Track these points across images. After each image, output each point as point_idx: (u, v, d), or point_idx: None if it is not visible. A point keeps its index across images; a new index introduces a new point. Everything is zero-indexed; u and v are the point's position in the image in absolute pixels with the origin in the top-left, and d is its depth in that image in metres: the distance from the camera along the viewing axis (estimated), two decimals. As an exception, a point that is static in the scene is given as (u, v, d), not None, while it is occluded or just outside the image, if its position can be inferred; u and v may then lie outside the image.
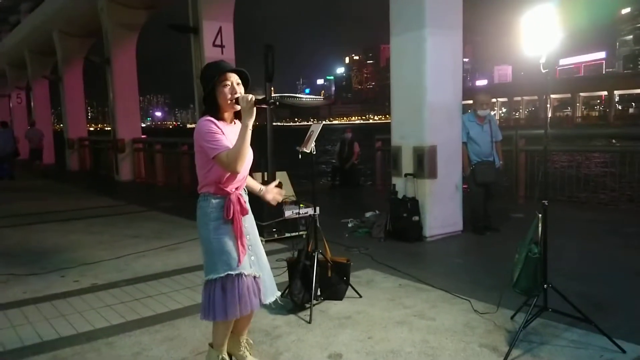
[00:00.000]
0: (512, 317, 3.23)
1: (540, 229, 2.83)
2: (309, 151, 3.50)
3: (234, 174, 2.41)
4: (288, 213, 5.49)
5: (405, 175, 5.67)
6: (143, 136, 14.21)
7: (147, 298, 3.88)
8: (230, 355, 2.70)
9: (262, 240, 5.17)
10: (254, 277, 2.51)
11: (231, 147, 2.34)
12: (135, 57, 13.47)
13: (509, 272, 3.13)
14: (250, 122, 2.33)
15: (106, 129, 15.64)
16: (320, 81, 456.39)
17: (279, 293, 2.76)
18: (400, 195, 5.71)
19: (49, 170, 16.41)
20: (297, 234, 5.57)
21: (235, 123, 2.52)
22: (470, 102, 5.95)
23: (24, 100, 23.11)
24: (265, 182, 5.53)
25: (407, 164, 5.68)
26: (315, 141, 3.50)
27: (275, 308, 3.50)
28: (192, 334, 3.16)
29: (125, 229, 6.58)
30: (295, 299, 3.46)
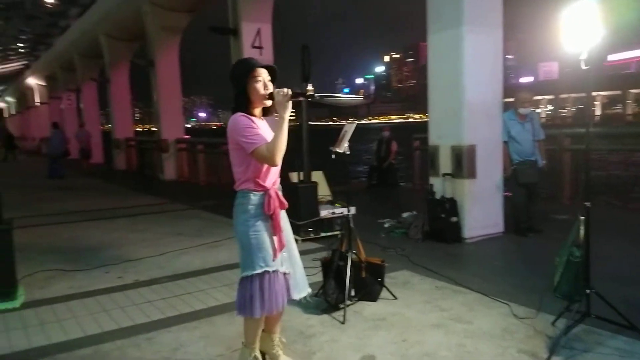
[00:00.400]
0: (553, 323, 3.12)
1: (582, 231, 2.73)
2: (342, 151, 3.50)
3: (273, 166, 2.45)
4: (324, 213, 5.50)
5: (443, 175, 5.58)
6: (186, 136, 14.56)
7: (186, 295, 3.98)
8: (263, 354, 2.74)
9: (297, 240, 5.24)
10: (284, 274, 2.55)
11: (266, 142, 2.38)
12: (177, 59, 13.81)
13: (551, 276, 3.03)
14: (287, 115, 2.38)
15: (153, 129, 16.20)
16: (359, 80, 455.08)
17: (310, 290, 2.77)
18: (438, 196, 5.62)
19: (97, 170, 17.06)
20: (332, 233, 5.58)
21: (263, 119, 2.57)
22: (513, 100, 5.79)
23: (74, 102, 24.08)
24: (301, 182, 5.59)
25: (444, 163, 5.59)
26: (349, 141, 3.49)
27: (309, 307, 3.55)
28: (228, 330, 3.22)
29: (167, 227, 6.76)
30: (329, 299, 3.47)
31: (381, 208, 7.69)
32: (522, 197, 5.55)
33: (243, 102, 2.49)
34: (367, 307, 3.58)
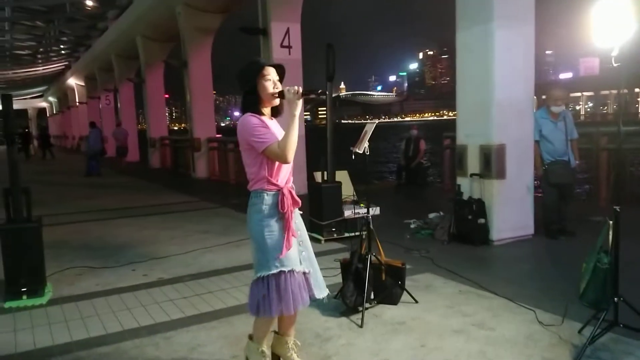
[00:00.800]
0: (579, 331, 2.99)
1: (611, 236, 2.59)
2: (361, 151, 3.44)
3: (285, 163, 2.46)
4: (347, 213, 5.46)
5: (471, 175, 5.45)
6: (217, 135, 14.76)
7: (207, 294, 4.01)
8: (277, 357, 2.73)
9: (320, 240, 5.22)
10: (304, 273, 2.54)
11: (276, 140, 2.40)
12: (210, 59, 14.00)
13: (578, 282, 2.90)
14: (298, 112, 2.40)
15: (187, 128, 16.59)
16: (392, 78, 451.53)
17: (328, 291, 2.73)
18: (465, 197, 5.49)
19: (133, 168, 17.49)
20: (356, 234, 5.52)
21: (272, 119, 2.58)
22: (546, 97, 5.59)
23: (112, 101, 24.79)
24: (324, 181, 5.55)
25: (473, 163, 5.45)
26: (368, 141, 3.43)
27: (328, 309, 3.52)
28: (246, 331, 3.18)
29: (196, 225, 6.85)
30: (348, 301, 3.42)
31: (408, 208, 7.57)
32: (553, 198, 5.35)
33: (253, 102, 2.49)
34: (386, 311, 3.52)
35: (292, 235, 2.50)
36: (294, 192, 2.56)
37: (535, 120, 5.38)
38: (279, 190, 2.49)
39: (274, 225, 2.48)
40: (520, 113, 5.31)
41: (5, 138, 4.09)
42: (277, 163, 2.46)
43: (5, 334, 3.33)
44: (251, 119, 2.44)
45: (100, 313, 3.65)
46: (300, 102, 2.42)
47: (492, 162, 5.22)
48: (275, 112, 2.58)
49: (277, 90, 2.48)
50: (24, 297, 3.92)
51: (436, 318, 3.37)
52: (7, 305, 3.84)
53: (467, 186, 5.52)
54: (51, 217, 6.92)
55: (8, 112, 4.03)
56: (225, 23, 14.06)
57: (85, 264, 4.95)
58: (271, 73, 2.50)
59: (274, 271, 2.44)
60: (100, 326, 3.40)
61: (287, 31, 9.10)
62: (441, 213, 6.06)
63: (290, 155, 2.39)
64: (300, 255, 2.56)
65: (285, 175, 2.54)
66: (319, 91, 2.64)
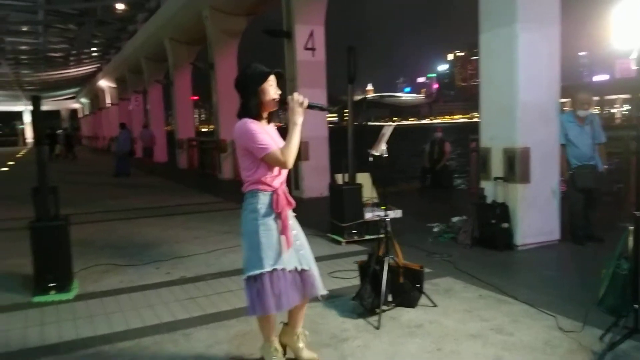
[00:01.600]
0: (600, 338, 2.92)
1: (631, 242, 2.54)
2: (379, 154, 3.44)
3: (285, 169, 2.56)
4: (368, 215, 5.45)
5: (495, 178, 5.37)
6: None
7: (228, 292, 4.07)
8: (284, 346, 2.81)
9: (341, 242, 5.24)
10: (303, 271, 2.61)
11: (275, 146, 2.50)
12: (236, 62, 14.17)
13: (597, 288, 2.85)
14: (300, 121, 2.52)
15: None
16: (421, 79, 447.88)
17: (326, 291, 2.76)
18: (488, 200, 5.42)
19: (160, 168, 17.83)
20: (377, 236, 5.50)
21: (269, 124, 2.68)
22: (571, 101, 5.48)
23: (141, 103, 25.33)
24: (345, 183, 5.56)
25: (496, 166, 5.37)
26: (386, 143, 3.43)
27: (345, 311, 3.53)
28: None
29: (219, 225, 6.94)
30: (365, 303, 3.43)
31: (432, 211, 7.52)
32: (579, 203, 5.24)
33: (253, 107, 2.57)
34: (404, 314, 3.51)
35: (288, 235, 2.57)
36: (287, 194, 2.64)
37: (560, 123, 5.28)
38: (274, 191, 2.57)
39: (269, 224, 2.56)
40: (545, 116, 5.22)
41: (34, 138, 4.24)
42: (274, 167, 2.55)
43: (33, 327, 3.46)
44: (250, 125, 2.52)
45: (123, 309, 3.75)
46: (301, 112, 2.51)
47: (516, 166, 5.14)
48: (271, 118, 2.68)
49: (277, 97, 2.57)
50: (52, 292, 4.05)
51: (454, 322, 3.34)
52: (36, 300, 3.98)
53: (490, 190, 5.45)
54: (79, 216, 7.10)
55: (37, 113, 4.17)
56: (250, 25, 14.21)
57: (111, 262, 5.09)
58: (273, 79, 2.59)
59: (268, 269, 2.51)
60: (123, 322, 3.50)
61: (311, 33, 9.15)
62: (464, 217, 6.00)
63: (291, 161, 2.49)
64: (298, 254, 2.62)
65: (281, 178, 2.63)
66: (326, 105, 2.73)
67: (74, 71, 32.95)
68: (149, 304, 3.85)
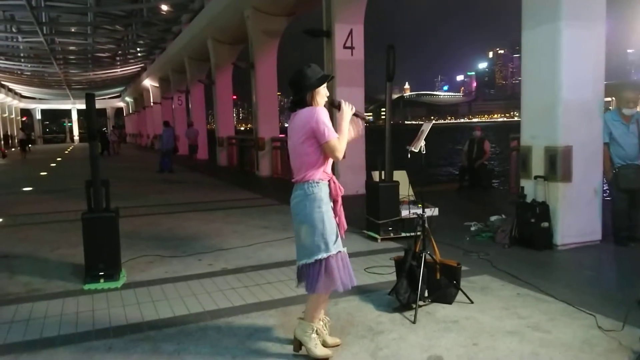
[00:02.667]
0: (642, 339, 2.89)
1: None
2: (417, 150, 3.49)
3: (336, 160, 2.81)
4: (405, 212, 5.48)
5: (535, 177, 5.31)
6: (280, 135, 15.13)
7: (267, 284, 4.20)
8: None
9: (377, 239, 5.32)
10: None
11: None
12: (275, 61, 14.38)
13: (638, 288, 2.81)
14: (348, 122, 2.83)
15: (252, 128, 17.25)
16: (460, 77, 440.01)
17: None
18: (528, 199, 5.36)
19: (202, 165, 18.28)
20: (413, 234, 5.53)
21: None
22: (616, 99, 5.34)
23: (183, 102, 25.99)
24: (382, 180, 5.61)
25: (537, 165, 5.31)
26: (425, 140, 3.47)
27: (381, 305, 3.60)
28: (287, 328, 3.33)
29: (257, 220, 7.12)
30: (401, 298, 3.48)
31: (469, 210, 7.48)
32: (623, 204, 5.12)
33: (310, 102, 2.80)
34: (440, 309, 3.54)
35: (342, 222, 2.85)
36: (337, 181, 2.89)
37: (604, 122, 5.17)
38: (330, 179, 2.83)
39: (330, 211, 2.79)
40: (589, 114, 5.12)
41: (87, 134, 4.49)
42: (329, 157, 2.79)
43: (85, 312, 3.67)
44: (324, 111, 2.77)
45: (169, 297, 3.94)
46: (350, 115, 2.84)
47: (558, 165, 5.07)
48: None
49: (328, 98, 2.85)
50: (102, 280, 4.28)
51: (490, 319, 3.36)
52: (87, 287, 4.22)
53: (530, 189, 5.39)
54: (126, 210, 7.40)
55: (91, 110, 4.41)
56: (290, 25, 14.38)
57: (156, 253, 5.32)
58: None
59: (334, 252, 2.75)
60: (168, 309, 3.67)
61: (350, 32, 9.21)
62: (503, 216, 5.95)
63: (343, 153, 2.76)
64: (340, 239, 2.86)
65: (330, 168, 2.88)
66: (367, 117, 3.02)
67: (119, 71, 34.12)
68: (193, 293, 4.03)
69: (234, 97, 19.72)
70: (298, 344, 2.89)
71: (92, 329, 3.37)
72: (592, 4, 5.05)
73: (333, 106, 2.85)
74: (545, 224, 5.12)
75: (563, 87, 5.01)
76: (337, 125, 2.80)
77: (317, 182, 2.77)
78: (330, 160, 2.85)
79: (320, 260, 2.73)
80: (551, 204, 5.16)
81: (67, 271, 4.74)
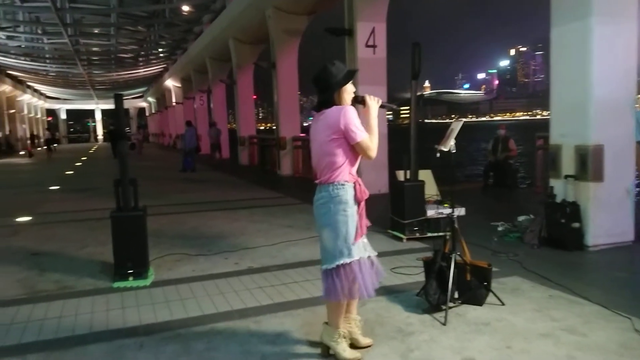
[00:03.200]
0: (683, 344, 2.80)
1: None
2: (447, 149, 3.44)
3: (369, 159, 2.74)
4: (430, 212, 5.42)
5: (565, 177, 5.20)
6: (301, 134, 15.14)
7: (293, 283, 4.20)
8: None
9: (402, 239, 5.26)
10: (368, 257, 2.78)
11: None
12: (297, 61, 14.39)
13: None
14: (376, 118, 2.77)
15: (273, 127, 17.24)
16: (481, 75, 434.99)
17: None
18: (558, 199, 5.25)
19: (223, 164, 18.41)
20: (439, 234, 5.47)
21: None
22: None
23: (205, 102, 26.21)
24: (407, 180, 5.56)
25: (567, 164, 5.20)
26: (455, 139, 3.42)
27: (410, 306, 3.56)
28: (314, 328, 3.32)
29: (281, 219, 7.12)
30: (430, 299, 3.43)
31: (496, 210, 7.37)
32: (657, 204, 4.98)
33: (337, 99, 2.74)
34: (470, 311, 3.49)
35: (362, 225, 2.75)
36: (362, 184, 2.80)
37: (636, 120, 5.04)
38: (355, 182, 2.73)
39: (354, 215, 2.70)
40: (620, 112, 5.00)
41: (116, 134, 4.54)
42: (357, 157, 2.72)
43: (115, 310, 3.72)
44: (353, 111, 2.68)
45: (197, 296, 3.96)
46: (377, 110, 2.78)
47: (588, 163, 4.96)
48: None
49: (354, 95, 2.79)
50: (130, 278, 4.33)
51: (523, 321, 3.29)
52: (115, 285, 4.27)
53: (560, 188, 5.28)
54: (151, 208, 7.45)
55: (119, 110, 4.46)
56: (310, 24, 14.38)
57: (183, 252, 5.36)
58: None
59: (356, 257, 2.67)
60: (197, 307, 3.70)
61: (373, 31, 9.14)
62: (531, 216, 5.84)
63: (375, 152, 2.69)
64: (363, 242, 2.79)
65: (356, 169, 2.80)
66: (394, 105, 2.99)
67: (142, 71, 34.61)
68: (220, 291, 4.04)
69: (254, 97, 19.79)
70: (326, 349, 2.86)
71: (123, 326, 3.40)
72: (624, 1, 4.92)
73: (357, 102, 2.80)
74: (576, 225, 5.01)
75: (594, 85, 4.90)
76: (366, 122, 2.73)
77: (342, 184, 2.68)
78: (358, 162, 2.77)
79: (343, 265, 2.66)
80: (582, 204, 5.05)
81: (96, 269, 4.81)
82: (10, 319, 3.56)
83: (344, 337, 2.82)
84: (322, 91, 2.74)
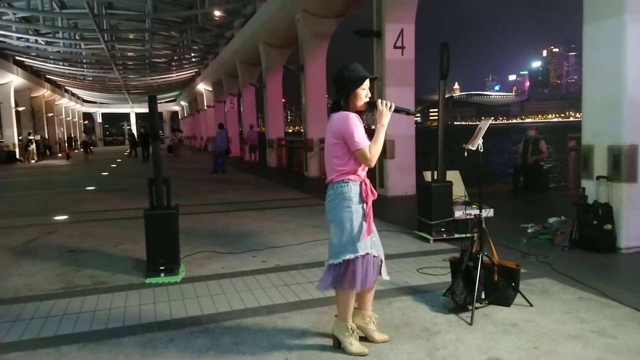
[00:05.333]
0: None
1: None
2: (474, 148, 3.42)
3: (368, 167, 2.78)
4: (458, 213, 5.38)
5: (598, 178, 5.09)
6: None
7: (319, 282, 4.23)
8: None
9: (429, 240, 5.27)
10: (374, 256, 2.84)
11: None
12: (325, 63, 14.48)
13: None
14: (387, 123, 2.76)
15: (301, 130, 17.40)
16: (512, 77, 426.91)
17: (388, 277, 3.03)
18: (590, 200, 5.15)
19: (252, 166, 18.63)
20: (466, 235, 5.41)
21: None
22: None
23: (235, 105, 26.58)
24: (434, 181, 5.54)
25: (600, 165, 5.09)
26: (482, 138, 3.41)
27: (436, 306, 3.56)
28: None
29: (308, 219, 7.18)
30: (457, 299, 3.42)
31: (525, 212, 7.26)
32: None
33: (344, 107, 2.80)
34: (498, 312, 3.46)
35: (370, 224, 2.81)
36: (371, 185, 2.87)
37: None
38: (362, 181, 2.81)
39: (359, 212, 2.78)
40: (657, 111, 4.86)
41: (150, 135, 4.67)
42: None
43: (147, 305, 3.83)
44: (354, 118, 2.75)
45: (226, 292, 4.05)
46: (389, 116, 2.75)
47: (622, 164, 4.85)
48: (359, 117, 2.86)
49: (368, 100, 2.80)
50: (162, 274, 4.46)
51: (551, 322, 3.25)
52: (148, 281, 4.40)
53: (592, 189, 5.18)
54: (183, 208, 7.66)
55: (153, 111, 4.60)
56: (339, 26, 14.43)
57: (213, 249, 5.48)
58: (366, 83, 2.80)
59: (362, 253, 2.76)
60: (226, 303, 3.78)
61: (401, 32, 9.13)
62: (562, 218, 5.73)
63: (375, 160, 2.74)
64: (371, 241, 2.84)
65: (365, 170, 2.85)
66: (412, 110, 2.91)
67: (175, 76, 35.34)
68: (249, 288, 4.12)
69: (283, 100, 19.99)
70: (337, 341, 2.95)
71: (154, 320, 3.50)
72: (659, -4, 4.80)
73: (372, 106, 2.81)
74: (609, 226, 4.90)
75: (628, 83, 4.79)
76: (376, 128, 2.77)
77: (346, 182, 2.78)
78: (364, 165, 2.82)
79: (347, 260, 2.76)
80: (615, 205, 4.95)
81: (130, 265, 4.96)
82: (47, 312, 3.71)
83: (352, 331, 2.90)
84: (336, 93, 2.85)
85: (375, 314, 3.08)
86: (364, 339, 3.00)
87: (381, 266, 2.92)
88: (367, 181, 2.83)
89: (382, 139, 2.73)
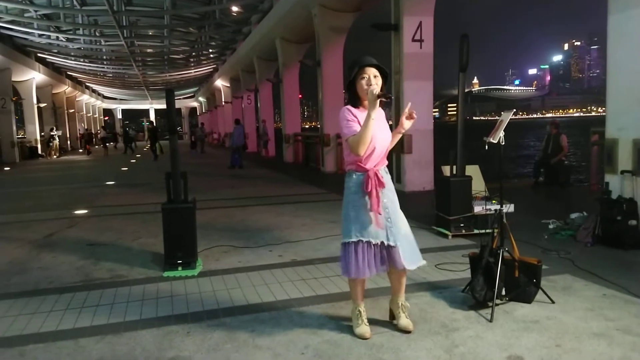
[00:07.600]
0: None
1: None
2: (496, 141, 3.35)
3: (357, 156, 2.81)
4: (478, 209, 5.29)
5: (622, 172, 4.97)
6: (346, 131, 15.13)
7: (335, 276, 4.20)
8: (391, 312, 3.19)
9: (448, 235, 5.19)
10: (389, 246, 2.86)
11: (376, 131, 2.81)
12: (342, 58, 14.39)
13: None
14: (374, 113, 2.72)
15: (317, 126, 17.38)
16: (532, 71, 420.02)
17: (424, 262, 3.03)
18: (614, 195, 5.02)
19: (269, 161, 18.67)
20: (486, 231, 5.33)
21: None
22: None
23: (252, 100, 26.65)
24: (453, 175, 5.45)
25: (624, 159, 4.97)
26: (504, 131, 3.32)
27: (455, 302, 3.50)
28: (370, 314, 3.32)
29: (324, 214, 7.15)
30: (477, 295, 3.36)
31: (547, 208, 7.11)
32: None
33: (353, 95, 2.90)
34: (518, 308, 3.39)
35: (377, 212, 2.84)
36: (380, 175, 2.90)
37: None
38: (366, 172, 2.87)
39: (359, 201, 2.89)
40: (686, 103, 4.71)
41: (168, 129, 4.68)
42: (371, 150, 2.82)
43: (164, 298, 3.85)
44: (344, 110, 2.87)
45: (242, 286, 4.04)
46: (377, 104, 2.71)
47: (648, 159, 4.71)
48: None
49: (368, 88, 2.79)
50: (179, 268, 4.47)
51: (574, 320, 3.17)
52: (165, 274, 4.42)
53: (616, 184, 5.05)
54: (201, 202, 7.69)
55: (171, 104, 4.60)
56: (356, 20, 14.33)
57: (230, 244, 5.48)
58: (368, 72, 2.82)
59: (354, 239, 2.88)
60: (242, 297, 3.77)
61: (420, 25, 9.01)
62: (585, 213, 5.60)
63: (361, 150, 2.75)
64: (388, 231, 2.88)
65: (375, 161, 2.90)
66: (389, 94, 2.80)
67: (193, 72, 35.56)
68: (265, 282, 4.11)
69: (300, 95, 19.96)
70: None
71: (172, 313, 3.51)
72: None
73: (382, 97, 2.77)
74: (633, 222, 4.78)
75: (656, 75, 4.64)
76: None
77: (351, 173, 2.95)
78: (373, 155, 2.86)
79: (344, 244, 2.93)
80: (639, 201, 4.81)
81: (148, 259, 4.99)
82: (66, 304, 3.75)
83: (359, 313, 3.02)
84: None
85: (408, 303, 3.16)
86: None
87: (396, 256, 2.87)
88: (374, 172, 2.87)
89: (367, 130, 2.71)
